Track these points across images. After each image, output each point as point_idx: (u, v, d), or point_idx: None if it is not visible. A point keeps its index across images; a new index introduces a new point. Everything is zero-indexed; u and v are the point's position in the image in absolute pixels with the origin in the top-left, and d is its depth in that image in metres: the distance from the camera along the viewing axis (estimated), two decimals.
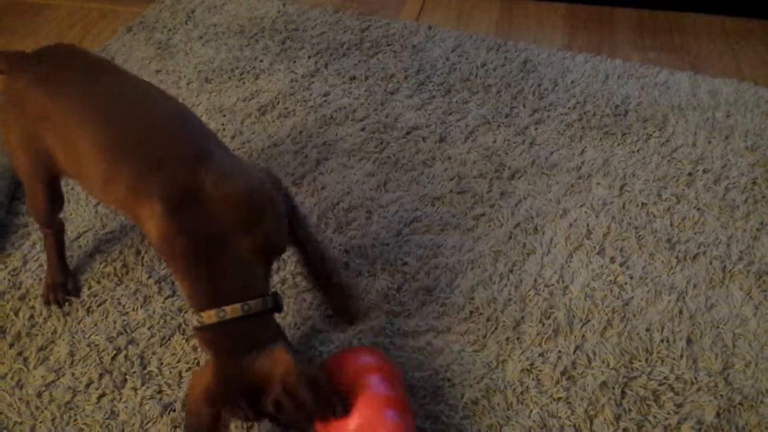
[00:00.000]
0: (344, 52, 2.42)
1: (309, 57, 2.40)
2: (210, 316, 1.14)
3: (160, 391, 1.39)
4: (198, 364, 1.43)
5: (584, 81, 2.29)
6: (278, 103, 2.18)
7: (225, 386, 1.13)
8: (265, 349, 1.15)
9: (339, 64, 2.36)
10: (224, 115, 2.13)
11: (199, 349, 1.45)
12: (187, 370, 1.42)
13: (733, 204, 1.80)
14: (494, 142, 2.03)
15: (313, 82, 2.27)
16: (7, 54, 1.35)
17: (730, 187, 1.85)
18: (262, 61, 2.39)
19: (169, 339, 1.48)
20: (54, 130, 1.27)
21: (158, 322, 1.51)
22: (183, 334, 1.49)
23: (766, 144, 2.00)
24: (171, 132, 1.23)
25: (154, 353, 1.45)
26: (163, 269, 1.63)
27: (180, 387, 1.39)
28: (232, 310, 1.14)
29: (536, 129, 2.08)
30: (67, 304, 1.56)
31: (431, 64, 2.37)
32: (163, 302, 1.55)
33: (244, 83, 2.27)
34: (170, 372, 1.42)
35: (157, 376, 1.42)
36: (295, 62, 2.37)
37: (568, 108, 2.17)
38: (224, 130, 2.06)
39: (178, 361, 1.44)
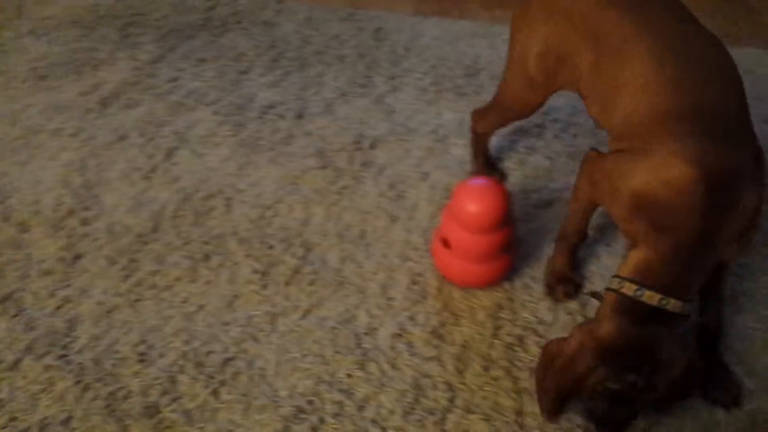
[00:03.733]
0: (190, 34, 2.32)
1: (153, 42, 2.28)
2: (653, 298, 1.13)
3: (13, 419, 1.29)
4: (52, 384, 1.33)
5: (435, 44, 2.31)
6: (122, 93, 2.06)
7: (625, 347, 1.11)
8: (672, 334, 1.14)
9: (186, 46, 2.26)
10: (63, 113, 1.98)
11: (51, 369, 1.35)
12: (41, 391, 1.32)
13: (581, 149, 1.88)
14: (353, 113, 2.02)
15: (158, 68, 2.16)
16: None
17: (578, 133, 1.94)
18: (101, 51, 2.25)
19: (18, 362, 1.37)
20: (596, 44, 1.28)
21: (5, 346, 1.40)
22: (34, 355, 1.38)
23: None
24: (732, 111, 1.17)
25: (3, 379, 1.35)
26: (7, 287, 1.51)
27: (35, 410, 1.30)
28: (674, 306, 1.13)
29: (393, 96, 2.08)
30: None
31: (283, 39, 2.31)
32: (8, 323, 1.44)
33: (82, 76, 2.13)
34: (23, 396, 1.32)
35: (9, 402, 1.31)
36: (137, 49, 2.25)
37: (423, 73, 2.18)
38: (64, 129, 1.93)
39: (31, 384, 1.33)
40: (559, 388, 1.15)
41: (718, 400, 1.32)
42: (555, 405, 1.16)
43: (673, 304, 1.12)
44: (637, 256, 1.17)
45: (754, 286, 1.53)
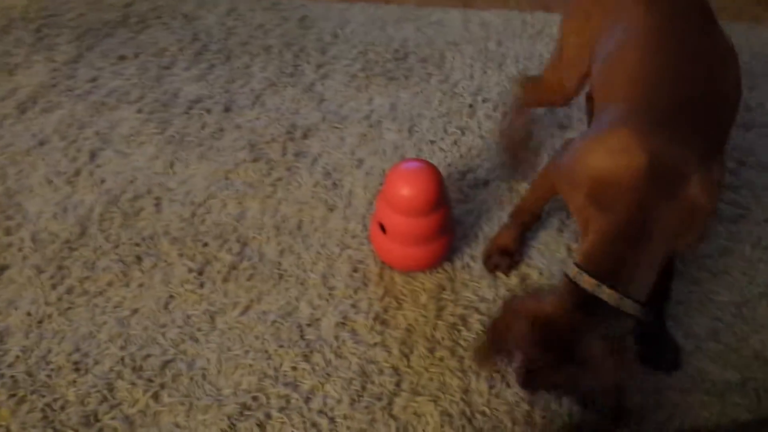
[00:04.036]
0: (108, 32, 2.24)
1: (69, 42, 2.19)
2: (589, 283, 1.09)
3: None
4: None
5: (363, 30, 2.30)
6: (40, 97, 1.97)
7: (555, 326, 1.10)
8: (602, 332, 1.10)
9: (104, 45, 2.18)
10: None
11: None
12: None
13: None
14: (282, 103, 1.99)
15: (77, 69, 2.08)
16: None
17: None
18: (15, 54, 2.15)
19: None
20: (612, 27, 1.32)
21: None
22: None
23: (536, 66, 2.13)
24: (710, 114, 1.18)
25: None
26: None
27: None
28: (609, 296, 1.09)
29: (323, 84, 2.06)
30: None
31: (206, 31, 2.26)
32: None
33: None
34: None
35: None
36: (54, 50, 2.16)
37: (351, 59, 2.17)
38: None
39: None
40: (495, 339, 1.18)
41: (659, 365, 1.36)
42: (488, 353, 1.19)
43: (607, 294, 1.10)
44: (586, 240, 1.17)
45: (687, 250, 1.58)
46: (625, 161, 1.13)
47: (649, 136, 1.13)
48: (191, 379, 1.32)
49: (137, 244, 1.56)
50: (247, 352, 1.37)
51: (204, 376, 1.32)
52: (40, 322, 1.40)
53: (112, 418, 1.25)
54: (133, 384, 1.30)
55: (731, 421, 1.27)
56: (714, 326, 1.43)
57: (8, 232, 1.58)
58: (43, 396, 1.28)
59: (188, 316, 1.42)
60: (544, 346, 1.10)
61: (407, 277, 1.51)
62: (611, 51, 1.30)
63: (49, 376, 1.32)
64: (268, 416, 1.26)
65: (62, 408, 1.27)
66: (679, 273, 1.52)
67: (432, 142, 1.86)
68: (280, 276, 1.51)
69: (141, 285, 1.48)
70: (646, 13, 1.29)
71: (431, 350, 1.37)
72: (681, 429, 1.22)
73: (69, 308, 1.43)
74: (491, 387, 1.31)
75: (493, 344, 1.19)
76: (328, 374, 1.33)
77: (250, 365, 1.34)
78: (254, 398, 1.29)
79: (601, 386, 1.11)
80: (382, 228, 1.46)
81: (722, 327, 1.43)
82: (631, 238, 1.12)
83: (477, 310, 1.45)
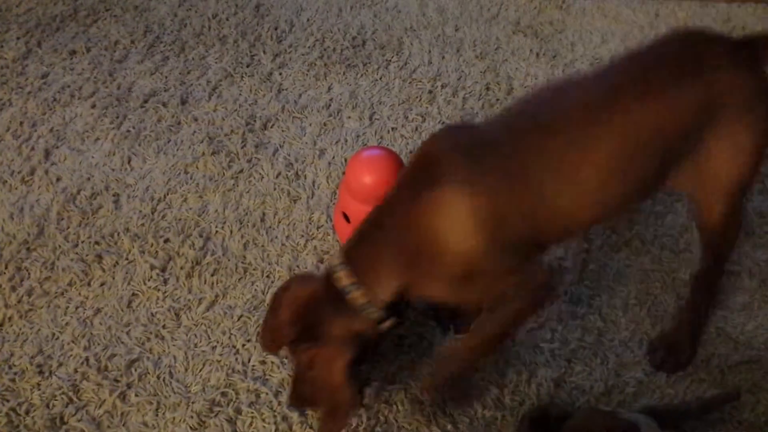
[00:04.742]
0: (58, 26, 2.18)
1: (18, 38, 2.13)
2: (331, 259, 1.13)
3: None
4: None
5: (319, 17, 2.28)
6: None
7: (305, 310, 1.14)
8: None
9: (54, 39, 2.12)
10: None
11: None
12: None
13: (472, 112, 1.91)
14: (240, 94, 1.96)
15: (26, 65, 2.02)
16: None
17: (467, 96, 1.96)
18: None
19: None
20: None
21: None
22: None
23: (493, 50, 2.14)
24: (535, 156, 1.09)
25: None
26: None
27: None
28: (340, 278, 1.10)
29: (281, 73, 2.04)
30: None
31: (158, 23, 2.21)
32: None
33: None
34: None
35: None
36: (2, 47, 2.09)
37: (309, 47, 2.15)
38: None
39: None
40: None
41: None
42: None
43: (339, 276, 1.09)
44: None
45: (646, 229, 1.61)
46: (414, 155, 1.15)
47: (450, 142, 1.11)
48: (158, 377, 1.30)
49: (97, 243, 1.53)
50: (214, 347, 1.36)
51: (171, 374, 1.31)
52: (0, 325, 1.37)
53: (79, 420, 1.23)
54: (99, 385, 1.28)
55: (697, 398, 1.30)
56: (678, 304, 1.46)
57: None
58: (7, 400, 1.26)
59: (152, 314, 1.40)
60: (292, 322, 1.14)
61: None
62: None
63: (12, 379, 1.29)
64: (238, 411, 1.26)
65: (27, 412, 1.25)
66: (640, 251, 1.55)
67: (393, 129, 1.86)
68: (245, 269, 1.50)
69: (103, 284, 1.45)
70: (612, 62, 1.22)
71: (400, 338, 1.38)
72: (648, 406, 1.24)
73: (30, 310, 1.40)
74: None
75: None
76: None
77: (218, 361, 1.34)
78: (223, 394, 1.29)
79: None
80: (346, 217, 1.46)
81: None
82: (377, 226, 1.11)
83: None
